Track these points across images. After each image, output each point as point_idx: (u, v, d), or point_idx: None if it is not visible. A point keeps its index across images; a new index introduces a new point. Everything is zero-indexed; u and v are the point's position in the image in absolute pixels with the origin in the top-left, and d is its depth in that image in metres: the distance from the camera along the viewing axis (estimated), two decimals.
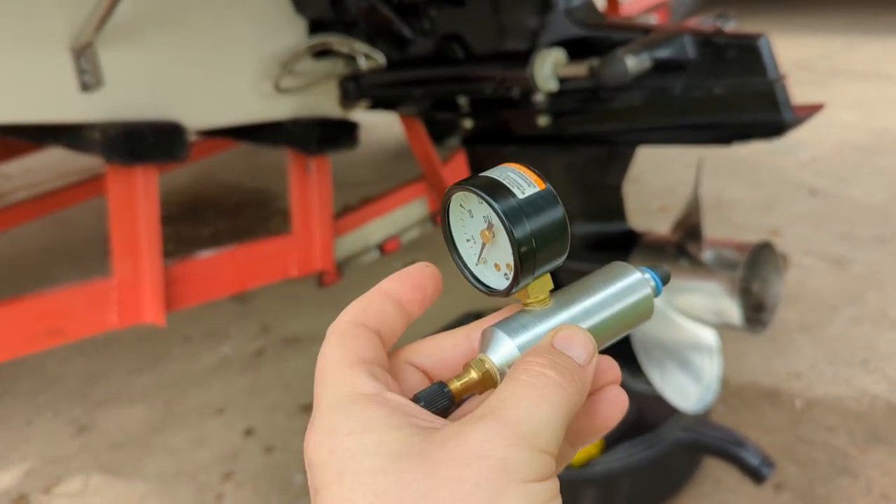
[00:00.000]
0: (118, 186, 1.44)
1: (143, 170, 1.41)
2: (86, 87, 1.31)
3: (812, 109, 1.07)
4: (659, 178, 2.96)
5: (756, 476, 1.25)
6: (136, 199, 1.42)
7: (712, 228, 2.50)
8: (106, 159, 1.38)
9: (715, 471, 1.47)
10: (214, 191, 3.47)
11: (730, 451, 1.28)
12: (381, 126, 3.86)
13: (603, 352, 0.42)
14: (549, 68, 1.08)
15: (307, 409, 1.85)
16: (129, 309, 1.49)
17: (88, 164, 3.01)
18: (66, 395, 2.01)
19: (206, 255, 1.69)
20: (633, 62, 0.96)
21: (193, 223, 3.11)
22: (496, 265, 0.43)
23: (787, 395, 1.69)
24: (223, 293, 1.75)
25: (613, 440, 1.22)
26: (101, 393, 2.01)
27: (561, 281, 0.44)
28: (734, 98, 1.02)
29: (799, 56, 4.08)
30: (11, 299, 1.46)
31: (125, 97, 1.41)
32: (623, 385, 0.43)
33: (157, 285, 1.48)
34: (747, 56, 1.00)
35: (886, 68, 3.82)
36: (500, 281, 0.43)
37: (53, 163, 3.75)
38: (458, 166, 2.18)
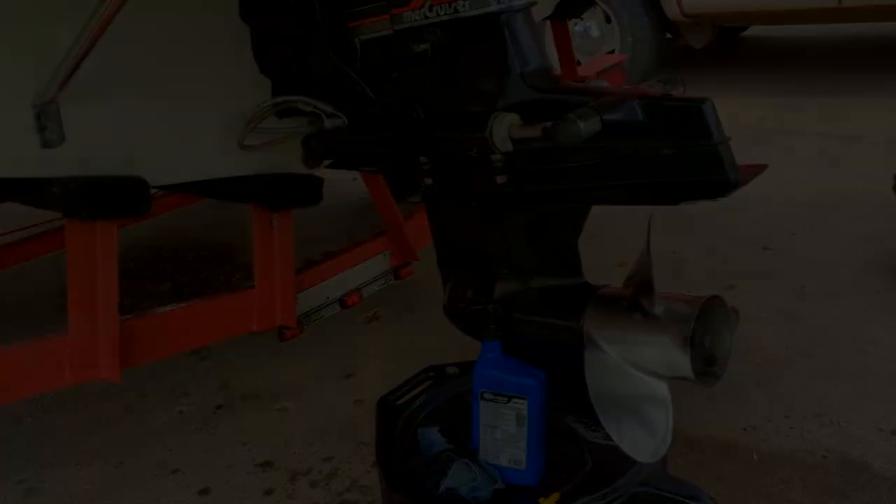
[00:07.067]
0: (76, 241, 1.43)
1: (102, 225, 1.41)
2: (47, 143, 1.32)
3: (757, 169, 1.12)
4: (618, 234, 3.02)
5: None
6: (95, 254, 1.41)
7: (667, 283, 2.55)
8: (65, 215, 1.38)
9: None
10: (175, 244, 3.44)
11: None
12: (344, 181, 3.89)
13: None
14: (505, 130, 1.12)
15: (265, 466, 1.81)
16: (83, 365, 1.47)
17: (41, 217, 2.97)
18: (13, 457, 1.95)
19: (164, 309, 1.68)
20: (585, 125, 1.00)
21: (153, 278, 3.07)
22: None
23: (743, 448, 1.71)
24: (182, 348, 1.74)
25: (570, 494, 1.21)
26: (50, 454, 1.94)
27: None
28: (681, 159, 1.06)
29: (753, 116, 4.26)
30: None
31: (87, 153, 1.41)
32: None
33: (112, 341, 1.47)
34: (692, 119, 1.05)
35: (835, 128, 4.00)
36: None
37: (5, 216, 3.69)
38: (420, 222, 2.22)
